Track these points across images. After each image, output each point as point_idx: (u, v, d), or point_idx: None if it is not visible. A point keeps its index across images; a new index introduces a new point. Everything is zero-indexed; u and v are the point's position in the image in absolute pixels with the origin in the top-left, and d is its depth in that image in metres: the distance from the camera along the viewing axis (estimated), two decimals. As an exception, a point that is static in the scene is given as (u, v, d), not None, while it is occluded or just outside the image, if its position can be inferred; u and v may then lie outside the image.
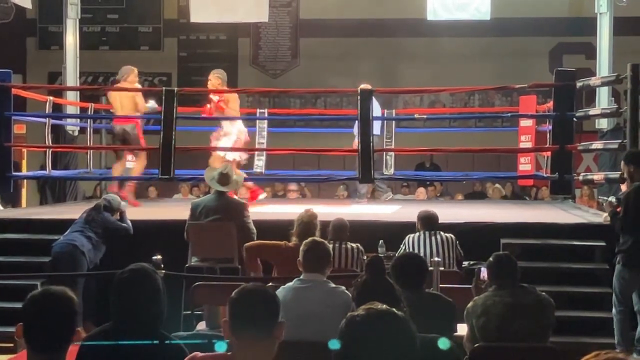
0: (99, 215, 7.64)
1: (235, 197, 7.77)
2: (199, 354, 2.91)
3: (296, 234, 6.44)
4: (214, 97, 9.71)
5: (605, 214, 8.17)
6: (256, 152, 10.40)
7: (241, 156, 9.81)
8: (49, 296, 2.81)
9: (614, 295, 6.79)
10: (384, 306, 2.09)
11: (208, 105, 9.87)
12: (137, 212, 8.86)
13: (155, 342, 3.05)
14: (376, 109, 10.23)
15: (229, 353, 2.78)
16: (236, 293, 2.84)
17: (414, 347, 2.04)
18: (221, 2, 11.50)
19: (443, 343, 2.14)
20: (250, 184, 9.91)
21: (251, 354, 2.74)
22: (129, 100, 9.79)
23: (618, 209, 7.04)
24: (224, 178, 7.25)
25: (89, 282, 7.35)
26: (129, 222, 7.83)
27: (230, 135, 9.67)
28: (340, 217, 6.91)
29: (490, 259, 4.81)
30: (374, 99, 10.43)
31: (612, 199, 7.57)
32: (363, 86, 10.40)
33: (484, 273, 4.96)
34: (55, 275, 7.09)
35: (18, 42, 15.58)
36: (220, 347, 2.72)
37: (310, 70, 15.09)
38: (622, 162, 7.14)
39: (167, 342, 3.10)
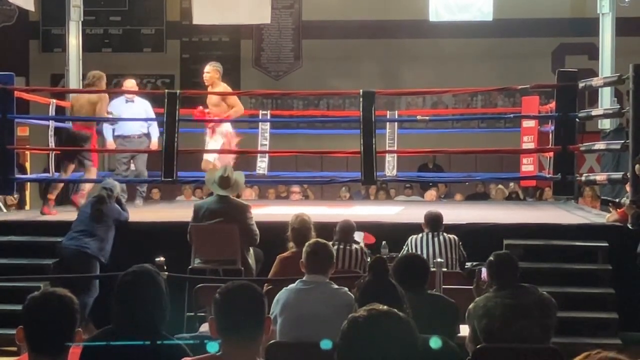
0: (107, 207, 7.59)
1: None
2: (188, 359, 2.90)
3: (292, 240, 6.46)
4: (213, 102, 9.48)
5: (609, 215, 8.17)
6: (259, 154, 10.39)
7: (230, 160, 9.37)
8: (49, 297, 2.81)
9: None
10: (385, 307, 2.10)
11: (204, 109, 9.51)
12: (140, 213, 8.87)
13: (158, 342, 3.05)
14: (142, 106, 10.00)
15: (218, 353, 2.75)
16: (221, 291, 2.81)
17: (415, 348, 2.05)
18: (224, 4, 11.49)
19: (435, 342, 2.13)
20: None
21: (239, 352, 2.73)
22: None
23: None
24: (225, 181, 7.24)
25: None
26: (128, 209, 7.93)
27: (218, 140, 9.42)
28: (348, 218, 6.92)
29: (490, 258, 4.79)
30: (140, 99, 10.17)
31: (625, 199, 7.50)
32: (129, 82, 10.11)
33: (484, 273, 4.94)
34: (59, 277, 7.10)
35: (21, 44, 15.59)
36: (212, 347, 2.71)
37: (313, 72, 15.08)
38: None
39: (168, 343, 3.10)
